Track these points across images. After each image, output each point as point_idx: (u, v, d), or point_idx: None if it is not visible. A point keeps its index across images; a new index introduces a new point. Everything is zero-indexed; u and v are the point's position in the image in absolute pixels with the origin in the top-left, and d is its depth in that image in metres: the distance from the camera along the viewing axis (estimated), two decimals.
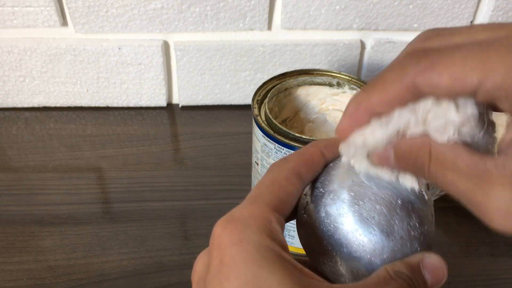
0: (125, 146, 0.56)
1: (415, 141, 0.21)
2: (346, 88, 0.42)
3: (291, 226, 0.39)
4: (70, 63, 0.57)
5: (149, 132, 0.58)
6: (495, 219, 0.19)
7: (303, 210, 0.24)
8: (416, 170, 0.21)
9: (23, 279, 0.41)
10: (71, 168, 0.52)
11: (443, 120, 0.20)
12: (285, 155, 0.37)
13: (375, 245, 0.22)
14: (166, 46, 0.58)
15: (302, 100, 0.44)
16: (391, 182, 0.23)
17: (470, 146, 0.20)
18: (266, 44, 0.57)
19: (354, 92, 0.42)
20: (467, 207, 0.20)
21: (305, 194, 0.25)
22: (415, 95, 0.21)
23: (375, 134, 0.22)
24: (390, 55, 0.59)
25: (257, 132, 0.39)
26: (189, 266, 0.23)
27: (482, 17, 0.57)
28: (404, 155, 0.22)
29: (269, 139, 0.37)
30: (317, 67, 0.59)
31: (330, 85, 0.43)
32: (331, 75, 0.43)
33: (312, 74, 0.43)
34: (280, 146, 0.36)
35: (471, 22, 0.57)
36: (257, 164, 0.41)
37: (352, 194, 0.23)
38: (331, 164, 0.25)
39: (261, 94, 0.41)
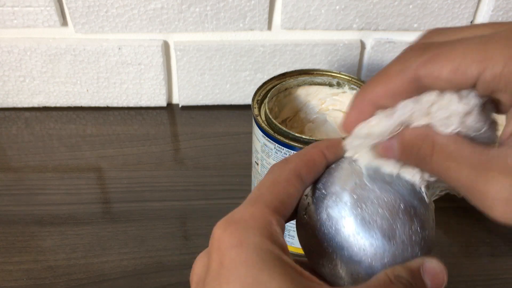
0: (125, 146, 0.56)
1: (419, 131, 0.21)
2: (346, 88, 0.42)
3: (291, 226, 0.39)
4: (70, 63, 0.57)
5: (149, 132, 0.58)
6: (495, 208, 0.19)
7: (303, 211, 0.24)
8: (419, 161, 0.22)
9: (23, 279, 0.41)
10: (71, 168, 0.52)
11: (446, 112, 0.21)
12: (285, 155, 0.37)
13: (376, 249, 0.22)
14: (166, 46, 0.58)
15: (302, 100, 0.44)
16: (394, 185, 0.23)
17: (473, 139, 0.20)
18: (266, 44, 0.57)
19: (354, 92, 0.42)
20: (467, 197, 0.20)
21: (306, 195, 0.24)
22: (418, 88, 0.21)
23: (380, 124, 0.22)
24: (390, 55, 0.59)
25: (257, 132, 0.39)
26: (189, 266, 0.23)
27: (482, 17, 0.57)
28: (408, 145, 0.22)
29: (269, 139, 0.37)
30: (317, 67, 0.59)
31: (330, 85, 0.43)
32: (331, 75, 0.43)
33: (312, 74, 0.43)
34: (280, 146, 0.36)
35: (471, 22, 0.57)
36: (257, 164, 0.41)
37: (354, 197, 0.22)
38: (333, 165, 0.25)
39: (261, 94, 0.41)
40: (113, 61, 0.57)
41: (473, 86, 0.20)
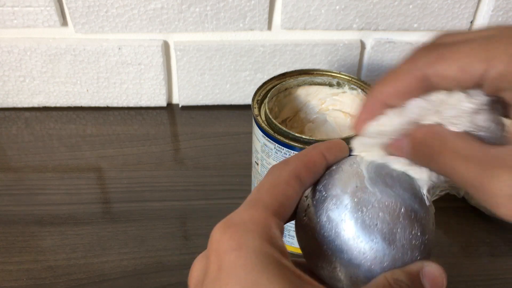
0: (125, 146, 0.56)
1: (429, 129, 0.22)
2: (346, 88, 0.42)
3: (292, 226, 0.39)
4: (70, 63, 0.57)
5: (149, 132, 0.58)
6: (501, 205, 0.19)
7: (303, 213, 0.24)
8: (428, 159, 0.22)
9: (23, 279, 0.41)
10: (71, 168, 0.52)
11: (455, 110, 0.21)
12: (285, 155, 0.37)
13: (376, 253, 0.22)
14: (166, 46, 0.58)
15: (302, 100, 0.44)
16: (395, 188, 0.23)
17: (481, 138, 0.21)
18: (266, 44, 0.57)
19: (354, 92, 0.42)
20: (475, 195, 0.20)
21: (306, 196, 0.24)
22: (426, 87, 0.22)
23: (391, 123, 0.23)
24: (390, 55, 0.59)
25: (257, 132, 0.39)
26: (189, 266, 0.23)
27: (482, 17, 0.57)
28: (419, 143, 0.22)
29: (269, 139, 0.37)
30: (317, 67, 0.59)
31: (330, 85, 0.43)
32: (331, 75, 0.43)
33: (312, 74, 0.43)
34: (280, 146, 0.36)
35: (471, 22, 0.57)
36: (257, 164, 0.41)
37: (355, 200, 0.22)
38: (334, 167, 0.24)
39: (261, 94, 0.41)
40: (113, 61, 0.57)
41: (479, 85, 0.20)
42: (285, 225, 0.23)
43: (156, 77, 0.59)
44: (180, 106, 0.62)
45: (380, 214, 0.22)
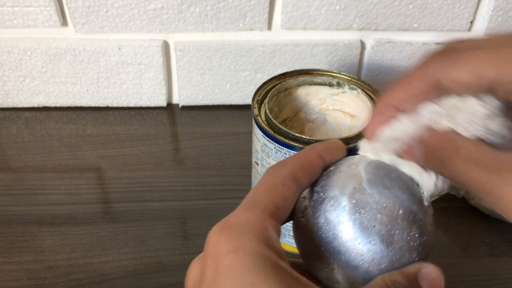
0: (125, 146, 0.56)
1: (442, 135, 0.22)
2: (346, 88, 0.42)
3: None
4: (70, 63, 0.57)
5: (149, 132, 0.58)
6: (511, 210, 0.19)
7: (301, 214, 0.24)
8: (441, 163, 0.22)
9: (23, 279, 0.41)
10: (71, 168, 0.52)
11: (468, 115, 0.21)
12: (285, 155, 0.37)
13: (374, 254, 0.22)
14: (166, 46, 0.58)
15: (302, 100, 0.44)
16: (393, 190, 0.23)
17: (494, 143, 0.21)
18: (266, 44, 0.57)
19: (354, 92, 0.42)
20: (486, 200, 0.20)
21: (303, 197, 0.24)
22: (438, 91, 0.22)
23: (404, 128, 0.23)
24: (390, 55, 0.59)
25: (257, 132, 0.39)
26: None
27: (482, 17, 0.57)
28: (432, 148, 0.22)
29: (269, 139, 0.37)
30: (317, 67, 0.59)
31: (330, 85, 0.43)
32: (331, 75, 0.43)
33: (312, 74, 0.43)
34: (280, 146, 0.36)
35: (471, 22, 0.57)
36: (257, 164, 0.41)
37: (353, 201, 0.22)
38: (331, 168, 0.24)
39: (261, 94, 0.41)
40: (113, 61, 0.57)
41: (491, 90, 0.21)
42: (286, 225, 0.23)
43: (156, 77, 0.59)
44: (180, 106, 0.62)
45: (378, 215, 0.22)
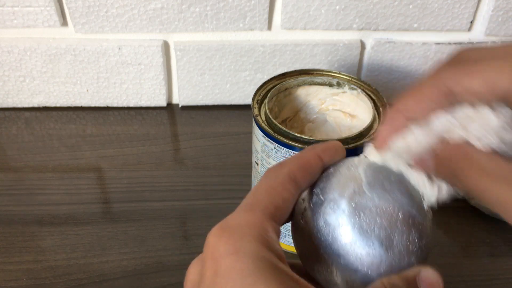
0: (125, 146, 0.56)
1: (455, 146, 0.22)
2: (346, 88, 0.42)
3: None
4: (70, 63, 0.57)
5: (149, 132, 0.58)
6: None
7: (300, 215, 0.24)
8: (453, 175, 0.22)
9: (23, 279, 0.41)
10: (71, 168, 0.52)
11: (482, 126, 0.21)
12: (285, 155, 0.37)
13: (373, 258, 0.22)
14: (166, 46, 0.58)
15: (302, 100, 0.44)
16: (393, 193, 0.23)
17: (508, 155, 0.21)
18: (266, 44, 0.57)
19: (354, 92, 0.42)
20: (500, 213, 0.20)
21: (303, 199, 0.24)
22: (450, 101, 0.22)
23: (417, 139, 0.22)
24: (390, 55, 0.59)
25: (257, 132, 0.39)
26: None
27: (482, 17, 0.57)
28: (444, 160, 0.22)
29: (269, 139, 0.37)
30: (317, 67, 0.59)
31: (330, 85, 0.43)
32: (331, 75, 0.43)
33: (312, 74, 0.43)
34: (280, 146, 0.36)
35: (471, 22, 0.57)
36: (257, 164, 0.41)
37: (352, 204, 0.22)
38: (331, 169, 0.24)
39: (261, 94, 0.41)
40: (113, 61, 0.57)
41: (504, 100, 0.20)
42: (286, 225, 0.23)
43: (156, 77, 0.59)
44: (180, 106, 0.62)
45: (377, 219, 0.22)
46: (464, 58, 0.22)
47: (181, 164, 0.53)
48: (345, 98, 0.43)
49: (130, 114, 0.61)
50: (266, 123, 0.38)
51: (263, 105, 0.40)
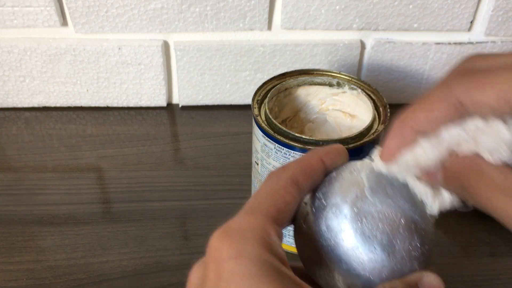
0: (125, 146, 0.56)
1: (465, 160, 0.21)
2: (346, 88, 0.42)
3: (292, 226, 0.39)
4: (70, 63, 0.57)
5: (149, 132, 0.58)
6: None
7: (302, 220, 0.24)
8: (463, 189, 0.21)
9: (23, 279, 0.41)
10: (71, 168, 0.52)
11: (494, 140, 0.20)
12: (285, 155, 0.37)
13: (375, 263, 0.22)
14: (166, 46, 0.58)
15: (302, 100, 0.44)
16: (395, 198, 0.23)
17: None
18: (266, 44, 0.57)
19: (354, 92, 0.42)
20: (511, 228, 0.20)
21: (305, 203, 0.24)
22: (460, 114, 0.21)
23: (427, 152, 0.22)
24: (390, 55, 0.59)
25: (257, 132, 0.39)
26: (189, 266, 0.23)
27: (482, 17, 0.57)
28: (454, 173, 0.22)
29: (269, 139, 0.37)
30: (317, 67, 0.59)
31: (330, 85, 0.43)
32: (331, 75, 0.43)
33: (312, 74, 0.43)
34: (280, 146, 0.36)
35: (471, 22, 0.57)
36: (257, 164, 0.41)
37: (355, 210, 0.22)
38: (333, 174, 0.24)
39: (261, 94, 0.41)
40: (113, 61, 0.57)
41: None
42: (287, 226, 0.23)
43: (156, 77, 0.59)
44: (180, 106, 0.62)
45: (380, 225, 0.22)
46: (473, 67, 0.21)
47: (181, 164, 0.53)
48: (345, 98, 0.43)
49: (130, 114, 0.61)
50: (266, 123, 0.38)
51: (263, 105, 0.40)
